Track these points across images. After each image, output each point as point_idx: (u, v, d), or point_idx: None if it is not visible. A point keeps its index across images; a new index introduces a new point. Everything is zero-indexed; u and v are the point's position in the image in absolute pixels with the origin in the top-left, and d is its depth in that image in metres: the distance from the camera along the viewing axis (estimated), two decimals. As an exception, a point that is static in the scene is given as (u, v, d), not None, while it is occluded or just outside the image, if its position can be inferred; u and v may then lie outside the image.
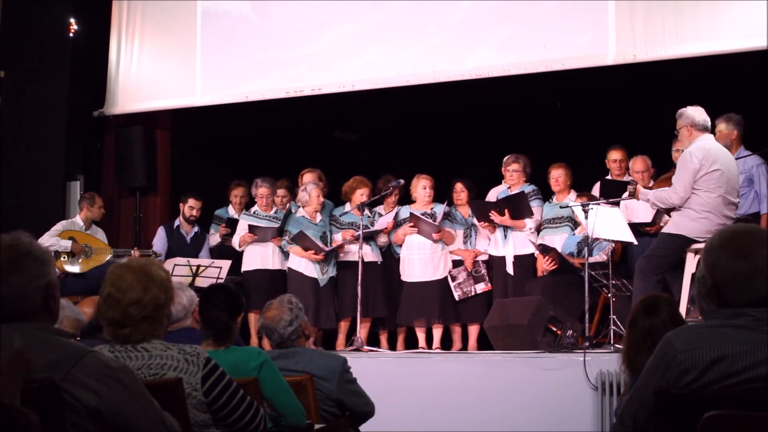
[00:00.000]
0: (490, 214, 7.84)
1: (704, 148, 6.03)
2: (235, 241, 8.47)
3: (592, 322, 7.05)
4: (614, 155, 7.93)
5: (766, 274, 2.38)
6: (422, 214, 8.03)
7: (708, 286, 2.45)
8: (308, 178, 8.49)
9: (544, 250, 7.54)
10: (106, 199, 9.03)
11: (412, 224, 8.02)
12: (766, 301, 2.37)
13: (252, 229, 8.26)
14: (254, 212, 8.49)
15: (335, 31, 8.93)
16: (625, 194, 6.62)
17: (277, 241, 8.30)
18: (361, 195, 8.21)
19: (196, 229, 8.82)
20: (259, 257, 8.32)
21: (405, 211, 8.21)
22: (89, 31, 9.80)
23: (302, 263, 8.11)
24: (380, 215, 8.35)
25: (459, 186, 8.29)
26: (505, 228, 7.90)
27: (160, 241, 8.71)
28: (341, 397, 4.26)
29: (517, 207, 7.81)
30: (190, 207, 8.71)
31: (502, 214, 7.79)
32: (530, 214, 7.84)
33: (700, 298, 2.50)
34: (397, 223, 8.18)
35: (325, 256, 8.05)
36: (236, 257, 8.39)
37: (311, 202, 8.21)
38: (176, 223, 8.81)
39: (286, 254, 8.32)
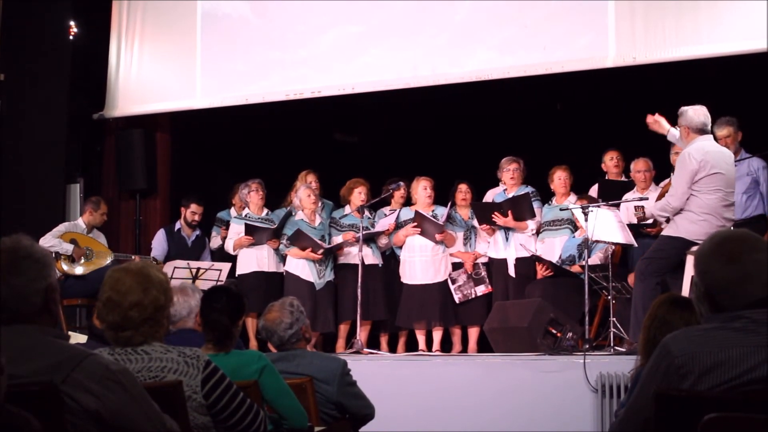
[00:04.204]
0: (492, 216, 7.85)
1: (703, 150, 6.02)
2: (229, 245, 8.45)
3: (592, 325, 7.06)
4: (610, 155, 7.99)
5: (757, 279, 2.38)
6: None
7: (701, 291, 2.46)
8: (298, 184, 8.51)
9: (537, 260, 7.59)
10: (106, 201, 9.03)
11: (415, 224, 8.02)
12: (760, 303, 2.37)
13: (249, 230, 8.25)
14: (246, 215, 8.48)
15: (335, 33, 8.93)
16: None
17: (273, 243, 8.30)
18: (359, 193, 8.22)
19: (197, 232, 8.83)
20: (255, 259, 8.31)
21: (406, 213, 8.21)
22: (89, 34, 9.80)
23: (299, 267, 8.11)
24: (385, 215, 8.35)
25: (464, 187, 8.29)
26: (507, 230, 7.91)
27: (159, 243, 8.72)
28: (341, 399, 4.26)
29: (520, 208, 7.82)
30: (192, 212, 8.72)
31: (505, 216, 7.80)
32: (532, 215, 7.86)
33: (697, 302, 2.51)
34: (399, 225, 8.18)
35: (323, 256, 8.05)
36: (233, 260, 8.39)
37: (303, 204, 8.22)
38: (177, 226, 8.81)
39: (281, 257, 8.33)
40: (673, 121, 6.30)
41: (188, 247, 8.70)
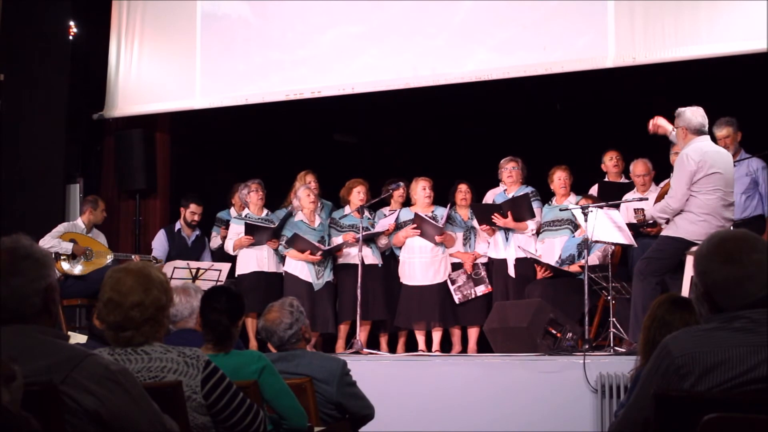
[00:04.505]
0: (492, 216, 7.85)
1: (701, 151, 6.03)
2: (228, 246, 8.45)
3: (592, 325, 7.05)
4: (610, 155, 8.01)
5: (756, 278, 2.38)
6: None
7: (701, 291, 2.46)
8: (297, 185, 8.51)
9: (536, 263, 7.60)
10: (106, 201, 9.03)
11: (415, 226, 8.02)
12: (760, 303, 2.37)
13: (249, 230, 8.25)
14: (246, 215, 8.48)
15: (335, 34, 8.92)
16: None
17: (273, 243, 8.30)
18: (358, 193, 8.23)
19: (197, 232, 8.83)
20: (255, 260, 8.31)
21: (406, 213, 8.21)
22: (89, 34, 9.79)
23: (298, 267, 8.11)
24: (384, 215, 8.35)
25: (464, 187, 8.29)
26: (507, 230, 7.91)
27: (160, 244, 8.72)
28: (341, 400, 4.26)
29: (519, 209, 7.82)
30: (192, 212, 8.73)
31: (505, 217, 7.80)
32: (532, 215, 7.86)
33: (696, 303, 2.51)
34: (398, 226, 8.18)
35: (322, 257, 8.05)
36: (233, 261, 8.39)
37: (303, 204, 8.22)
38: (177, 226, 8.82)
39: (281, 257, 8.33)
40: (671, 121, 6.29)
41: (188, 248, 8.70)
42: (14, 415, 2.02)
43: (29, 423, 2.05)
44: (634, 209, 6.82)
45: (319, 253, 8.02)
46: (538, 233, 7.95)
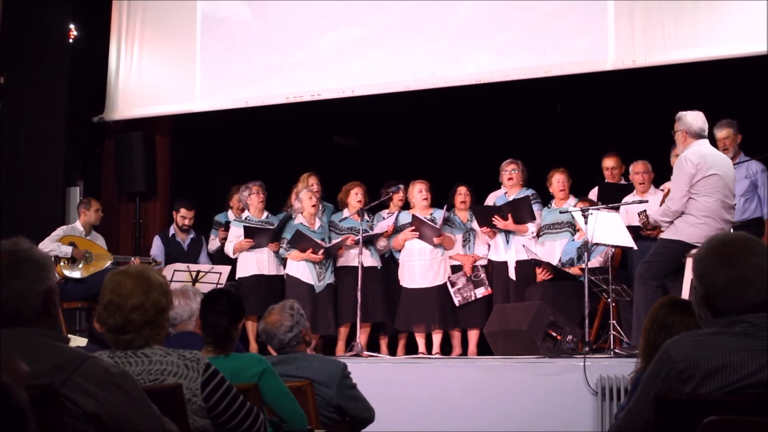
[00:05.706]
0: (492, 219, 7.85)
1: (700, 153, 6.04)
2: (229, 249, 8.45)
3: (592, 328, 7.05)
4: (608, 163, 7.99)
5: (756, 282, 2.38)
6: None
7: (700, 295, 2.45)
8: (300, 187, 8.52)
9: (536, 264, 7.59)
10: (106, 204, 9.03)
11: (413, 228, 8.02)
12: (760, 307, 2.37)
13: (248, 232, 8.24)
14: (246, 218, 8.48)
15: (335, 36, 8.92)
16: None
17: (273, 246, 8.29)
18: (356, 194, 8.23)
19: (192, 235, 8.83)
20: (255, 263, 8.31)
21: (404, 216, 8.21)
22: (89, 37, 9.80)
23: (299, 269, 8.11)
24: (383, 218, 8.35)
25: (464, 189, 8.28)
26: (507, 233, 7.90)
27: (157, 249, 8.72)
28: (341, 402, 4.26)
29: (519, 211, 7.82)
30: (182, 216, 8.72)
31: (505, 219, 7.80)
32: (532, 218, 7.85)
33: (696, 306, 2.50)
34: (397, 229, 8.18)
35: (324, 255, 8.04)
36: (233, 263, 8.39)
37: (304, 206, 8.22)
38: (171, 231, 8.82)
39: (282, 260, 8.33)
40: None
41: (185, 252, 8.69)
42: (11, 389, 2.01)
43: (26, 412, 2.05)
44: (638, 213, 6.81)
45: (321, 251, 8.02)
46: (538, 236, 7.94)
